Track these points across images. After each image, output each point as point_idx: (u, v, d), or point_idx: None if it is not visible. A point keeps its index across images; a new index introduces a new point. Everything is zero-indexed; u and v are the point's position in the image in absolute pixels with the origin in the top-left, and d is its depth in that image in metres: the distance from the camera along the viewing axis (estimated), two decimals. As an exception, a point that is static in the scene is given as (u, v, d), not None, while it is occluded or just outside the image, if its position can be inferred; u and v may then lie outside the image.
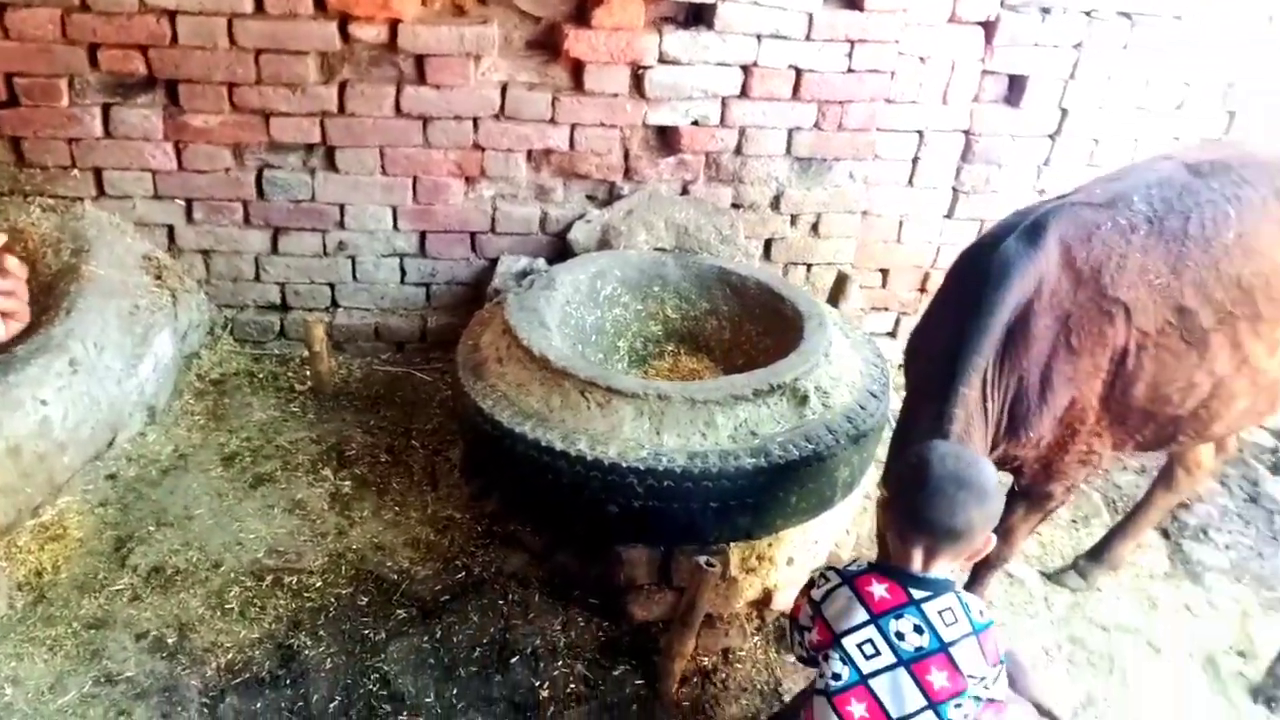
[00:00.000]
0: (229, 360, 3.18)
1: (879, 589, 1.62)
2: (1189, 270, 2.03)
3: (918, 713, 1.54)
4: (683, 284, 2.88)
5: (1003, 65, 3.21)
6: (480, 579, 2.47)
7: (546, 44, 2.94)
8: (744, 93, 3.05)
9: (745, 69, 3.02)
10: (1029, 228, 2.02)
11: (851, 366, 2.51)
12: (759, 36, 2.97)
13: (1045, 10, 3.13)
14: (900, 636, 1.59)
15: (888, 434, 2.34)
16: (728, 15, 2.92)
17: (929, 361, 2.09)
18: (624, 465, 2.14)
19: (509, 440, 2.24)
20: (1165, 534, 3.09)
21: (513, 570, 2.49)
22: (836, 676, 1.58)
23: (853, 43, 3.02)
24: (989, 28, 3.14)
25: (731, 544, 2.32)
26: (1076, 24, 3.16)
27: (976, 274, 2.04)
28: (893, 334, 3.67)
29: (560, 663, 2.29)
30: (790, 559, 2.45)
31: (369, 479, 2.76)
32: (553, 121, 3.02)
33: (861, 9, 2.96)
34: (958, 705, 1.56)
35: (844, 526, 2.69)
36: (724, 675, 2.34)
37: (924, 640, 1.58)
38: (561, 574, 2.47)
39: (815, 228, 3.35)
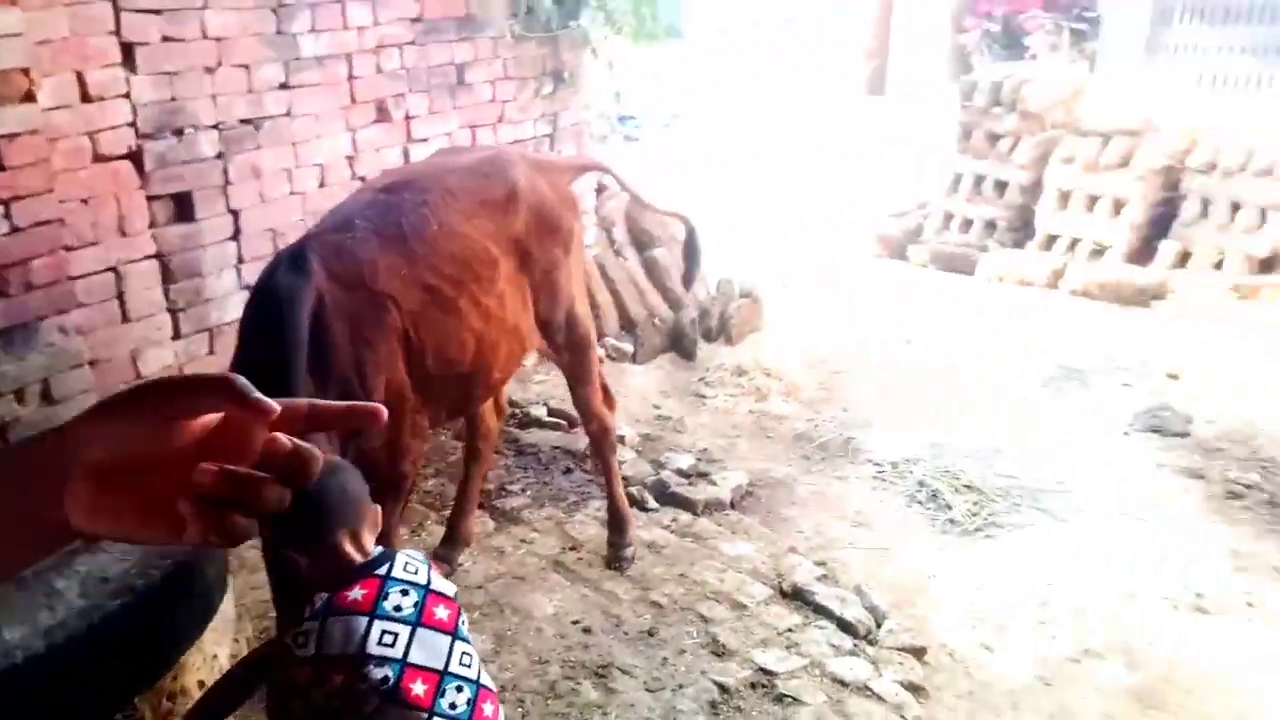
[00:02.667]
0: None
1: (355, 594, 1.71)
2: (420, 260, 2.66)
3: (450, 650, 1.71)
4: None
5: (163, 188, 3.52)
6: None
7: None
8: (-94, 285, 2.84)
9: (-104, 260, 2.81)
10: (290, 260, 2.41)
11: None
12: (-102, 224, 2.80)
13: (178, 132, 3.52)
14: (398, 609, 1.71)
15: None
16: None
17: None
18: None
19: None
20: (480, 504, 3.79)
21: None
22: (384, 680, 1.64)
23: (5, 202, 3.01)
24: (136, 158, 3.42)
25: (136, 699, 2.26)
26: (211, 138, 3.62)
27: (262, 315, 2.36)
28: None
29: None
30: (201, 681, 2.46)
31: None
32: None
33: (2, 169, 2.98)
34: (464, 622, 1.80)
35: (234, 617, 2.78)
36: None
37: (415, 596, 1.74)
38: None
39: (46, 395, 3.21)
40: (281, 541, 1.83)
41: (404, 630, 1.69)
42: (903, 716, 2.75)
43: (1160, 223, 6.55)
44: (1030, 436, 4.57)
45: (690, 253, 3.84)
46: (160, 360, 3.63)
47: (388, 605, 1.71)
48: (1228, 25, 10.98)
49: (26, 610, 2.08)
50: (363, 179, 4.14)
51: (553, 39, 4.99)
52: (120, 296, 3.47)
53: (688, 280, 3.98)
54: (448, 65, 4.57)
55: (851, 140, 10.89)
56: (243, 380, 0.63)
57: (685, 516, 3.84)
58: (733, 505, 3.99)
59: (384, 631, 1.67)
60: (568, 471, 4.16)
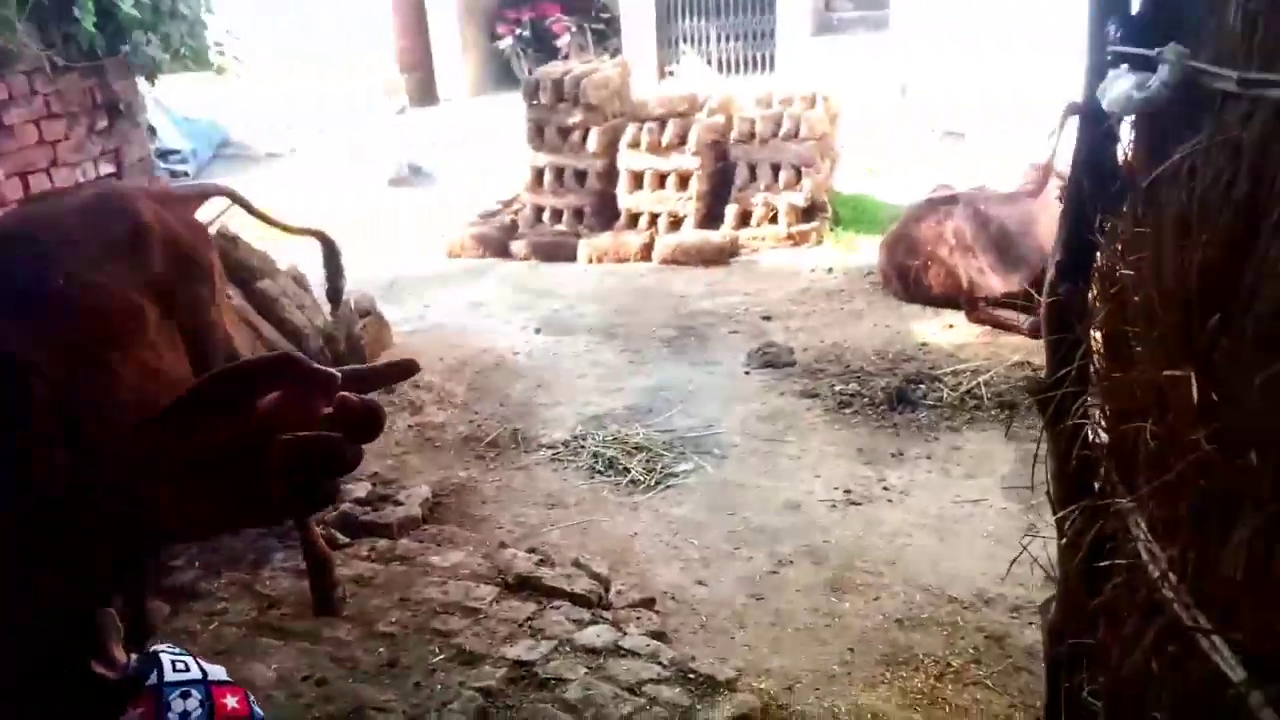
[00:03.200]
0: None
1: (132, 716, 1.54)
2: (50, 317, 2.26)
3: None
4: None
5: None
6: None
7: None
8: None
9: None
10: None
11: None
12: None
13: None
14: (185, 716, 1.54)
15: None
16: None
17: None
18: None
19: None
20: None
21: None
22: None
23: None
24: None
25: None
26: None
27: None
28: None
29: None
30: None
31: None
32: None
33: None
34: (253, 699, 1.63)
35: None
36: None
37: (198, 694, 1.54)
38: None
39: None
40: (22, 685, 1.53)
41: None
42: (660, 662, 2.91)
43: (721, 189, 7.43)
44: (671, 392, 4.99)
45: (332, 268, 3.69)
46: None
47: (173, 716, 1.52)
48: (721, 17, 12.65)
49: None
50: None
51: (98, 69, 4.44)
52: None
53: (334, 297, 3.80)
54: (-26, 105, 3.91)
55: (421, 150, 10.93)
56: (301, 355, 0.67)
57: (383, 542, 3.67)
58: (425, 519, 3.90)
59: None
60: (234, 531, 3.77)
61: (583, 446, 4.46)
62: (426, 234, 8.15)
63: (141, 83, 4.93)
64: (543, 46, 13.79)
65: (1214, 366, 1.30)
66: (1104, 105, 1.57)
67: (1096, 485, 1.90)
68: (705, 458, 4.31)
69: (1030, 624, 3.08)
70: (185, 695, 1.54)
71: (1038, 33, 9.59)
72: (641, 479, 4.17)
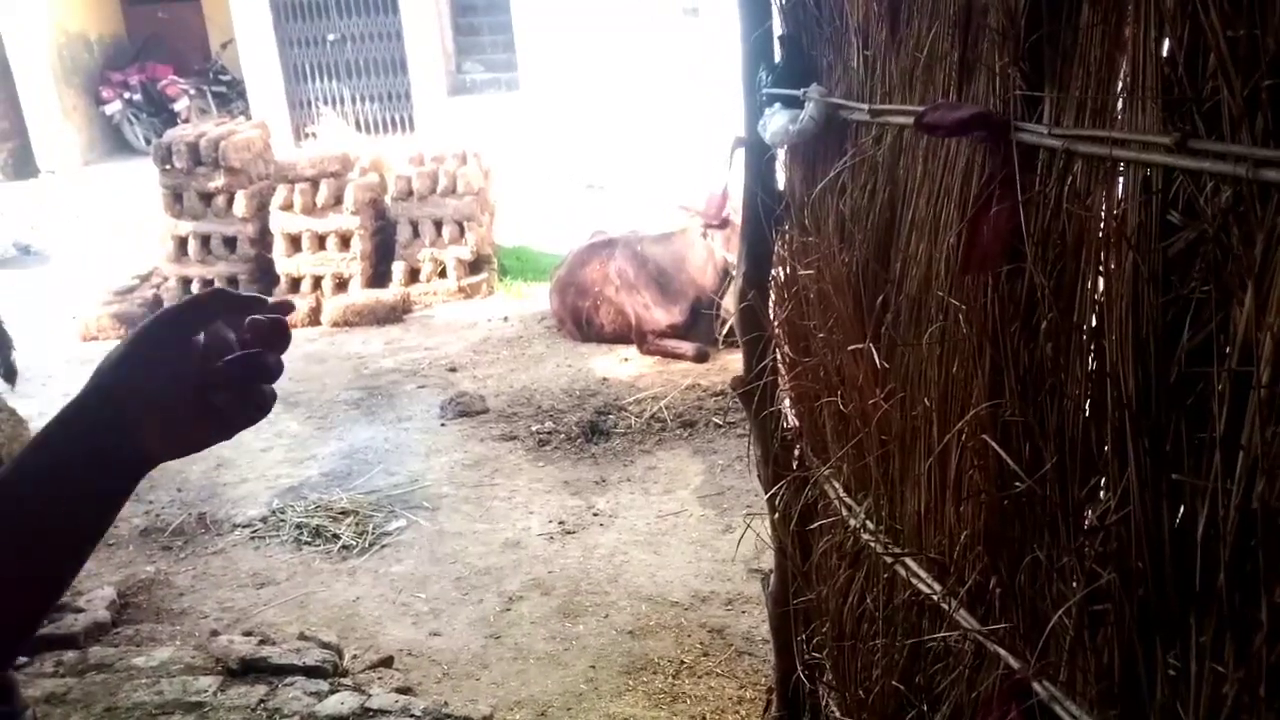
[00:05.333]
0: None
1: None
2: None
3: None
4: None
5: None
6: None
7: None
8: None
9: None
10: None
11: None
12: None
13: None
14: None
15: None
16: None
17: None
18: None
19: None
20: None
21: None
22: None
23: None
24: None
25: None
26: None
27: None
28: None
29: None
30: None
31: None
32: None
33: None
34: None
35: None
36: None
37: None
38: None
39: None
40: None
41: None
42: (413, 715, 2.88)
43: (384, 248, 7.40)
44: (368, 453, 4.90)
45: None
46: None
47: None
48: (354, 78, 12.56)
49: None
50: None
51: None
52: None
53: (9, 376, 3.36)
54: None
55: (27, 228, 9.71)
56: (227, 289, 0.84)
57: (71, 653, 3.26)
58: (115, 623, 3.52)
59: None
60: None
61: (283, 520, 4.26)
62: (51, 318, 7.28)
63: None
64: (158, 111, 12.86)
65: (880, 340, 1.65)
66: (765, 138, 1.91)
67: (795, 463, 2.25)
68: (417, 512, 4.30)
69: (743, 613, 3.45)
70: None
71: (655, 89, 10.62)
72: (354, 543, 4.07)
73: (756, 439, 2.31)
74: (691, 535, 3.96)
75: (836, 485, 1.98)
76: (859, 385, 1.76)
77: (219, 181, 7.09)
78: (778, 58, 1.98)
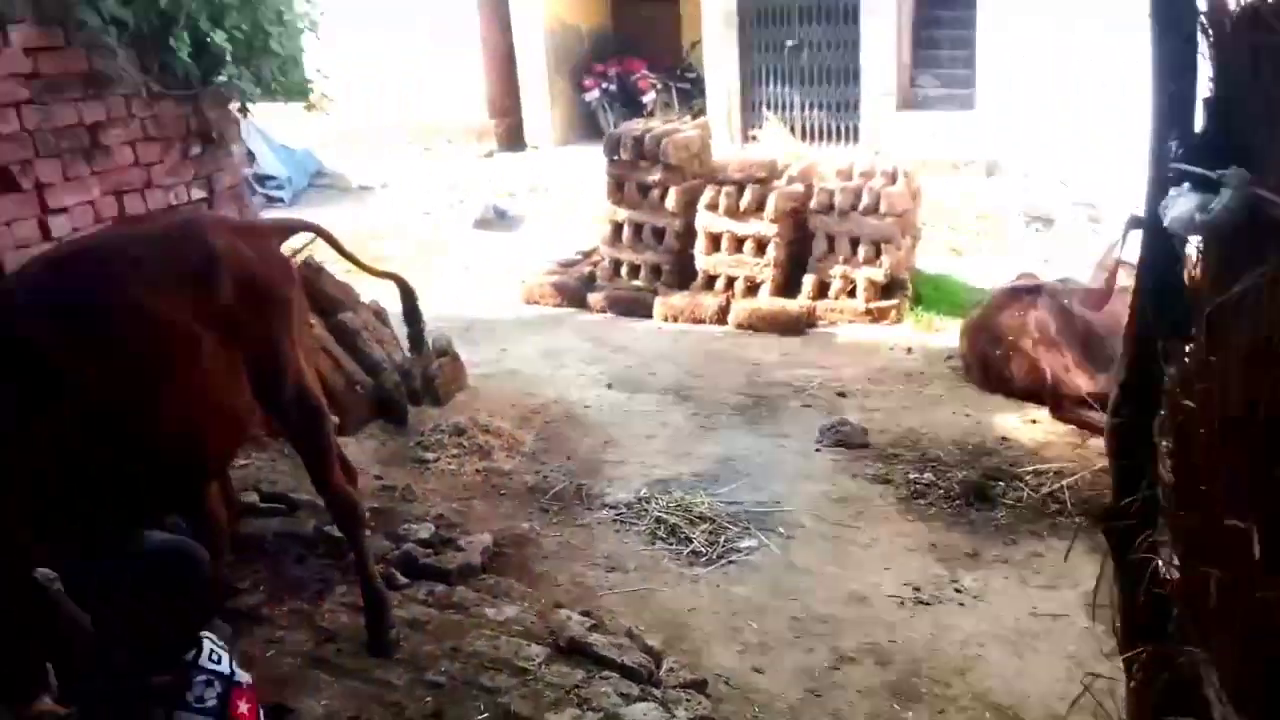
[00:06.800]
0: None
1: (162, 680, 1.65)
2: (99, 335, 2.33)
3: None
4: None
5: None
6: None
7: None
8: None
9: None
10: None
11: None
12: None
13: None
14: (201, 701, 1.66)
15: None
16: None
17: None
18: None
19: None
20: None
21: None
22: None
23: None
24: None
25: None
26: None
27: None
28: None
29: None
30: None
31: None
32: None
33: None
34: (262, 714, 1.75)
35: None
36: None
37: (219, 687, 1.69)
38: None
39: None
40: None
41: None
42: (709, 755, 2.80)
43: (798, 258, 7.37)
44: (739, 462, 4.89)
45: (411, 314, 3.70)
46: None
47: (191, 697, 1.67)
48: (806, 85, 12.68)
49: None
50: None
51: (193, 97, 4.57)
52: None
53: (415, 343, 3.80)
54: (77, 126, 4.03)
55: (506, 195, 11.07)
56: None
57: (441, 587, 3.62)
58: (485, 568, 3.84)
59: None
60: (300, 559, 3.77)
61: (646, 510, 4.38)
62: (506, 278, 8.20)
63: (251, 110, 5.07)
64: (629, 102, 13.96)
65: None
66: (1166, 223, 1.49)
67: (1168, 627, 1.77)
68: (771, 536, 4.20)
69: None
70: (209, 684, 1.67)
71: (1130, 121, 9.44)
72: (703, 551, 4.08)
73: (1118, 587, 1.86)
74: (1068, 647, 3.43)
75: (1214, 679, 1.53)
76: (1245, 567, 1.32)
77: (656, 176, 7.49)
78: (1198, 124, 1.53)
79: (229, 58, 4.52)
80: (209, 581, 1.71)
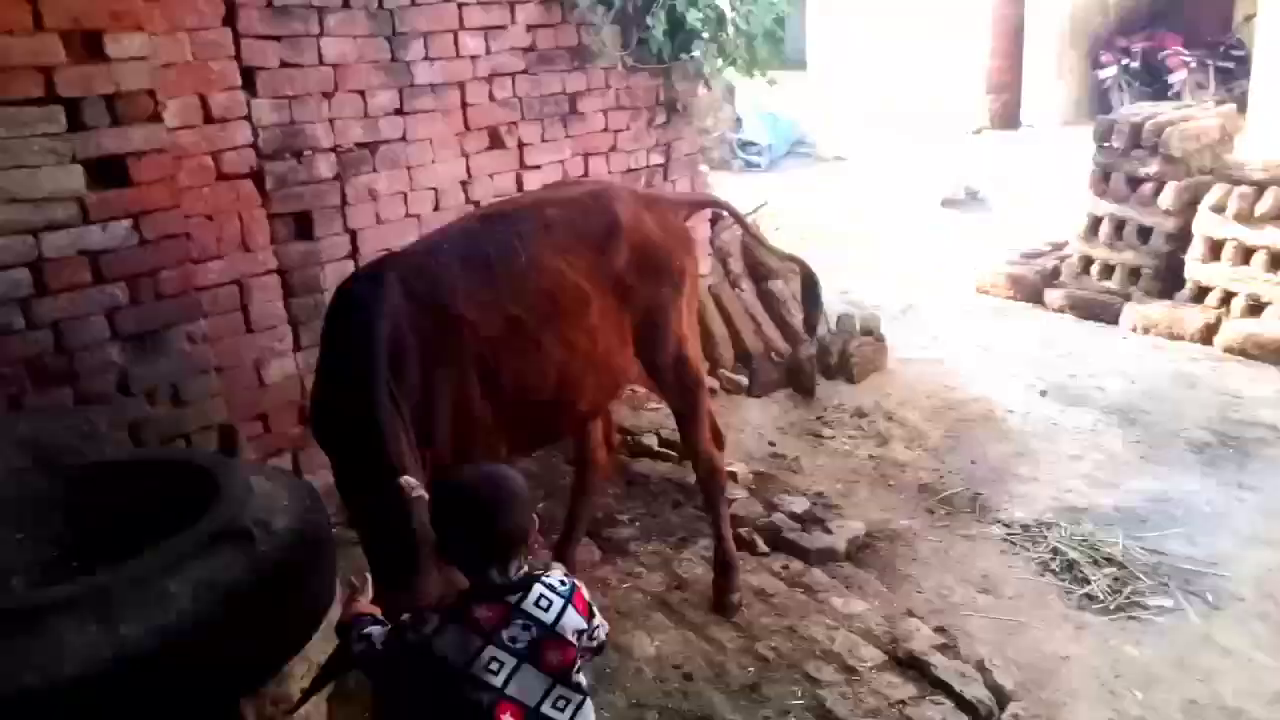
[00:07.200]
0: None
1: (482, 612, 1.75)
2: (502, 289, 2.60)
3: (548, 692, 1.75)
4: (63, 495, 2.60)
5: (283, 207, 3.55)
6: None
7: None
8: (42, 290, 2.89)
9: (32, 266, 2.87)
10: (368, 274, 2.42)
11: (277, 495, 2.56)
12: (34, 232, 2.85)
13: (297, 154, 3.55)
14: (514, 640, 1.74)
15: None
16: (-19, 219, 2.74)
17: (346, 414, 2.28)
18: (90, 677, 1.93)
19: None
20: (588, 532, 3.69)
21: None
22: (478, 703, 1.71)
23: (135, 216, 3.06)
24: (257, 178, 3.45)
25: (241, 701, 2.22)
26: (329, 160, 3.64)
27: (339, 323, 2.40)
28: (297, 472, 3.73)
29: None
30: (303, 688, 2.40)
31: None
32: None
33: (131, 184, 3.03)
34: (576, 670, 1.79)
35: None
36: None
37: (533, 633, 1.75)
38: None
39: (176, 398, 3.26)
40: (447, 546, 1.84)
41: (511, 662, 1.73)
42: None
43: (1327, 279, 6.00)
44: (1178, 507, 4.18)
45: (810, 298, 3.67)
46: (283, 369, 3.66)
47: (505, 635, 1.74)
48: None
49: (141, 611, 2.05)
50: (476, 203, 4.14)
51: (665, 70, 4.91)
52: (244, 308, 3.52)
53: (810, 326, 3.78)
54: (560, 94, 4.55)
55: (984, 175, 10.46)
56: None
57: (797, 564, 3.63)
58: (848, 557, 3.77)
59: (493, 658, 1.72)
60: (677, 505, 4.01)
61: (1044, 537, 3.95)
62: (960, 262, 7.78)
63: (719, 79, 5.34)
64: (1152, 81, 12.32)
65: None
66: None
67: None
68: (1193, 600, 3.55)
69: None
70: (525, 627, 1.74)
71: None
72: (1101, 597, 3.58)
73: None
74: None
75: None
76: None
77: (1152, 168, 6.53)
78: None
79: (698, 35, 4.82)
80: (509, 509, 1.80)
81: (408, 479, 2.13)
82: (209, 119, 3.32)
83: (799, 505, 4.02)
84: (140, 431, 3.16)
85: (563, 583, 1.84)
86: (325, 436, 2.47)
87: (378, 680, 1.91)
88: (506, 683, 1.71)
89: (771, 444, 4.65)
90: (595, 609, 1.89)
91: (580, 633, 1.81)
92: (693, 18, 4.72)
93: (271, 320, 3.58)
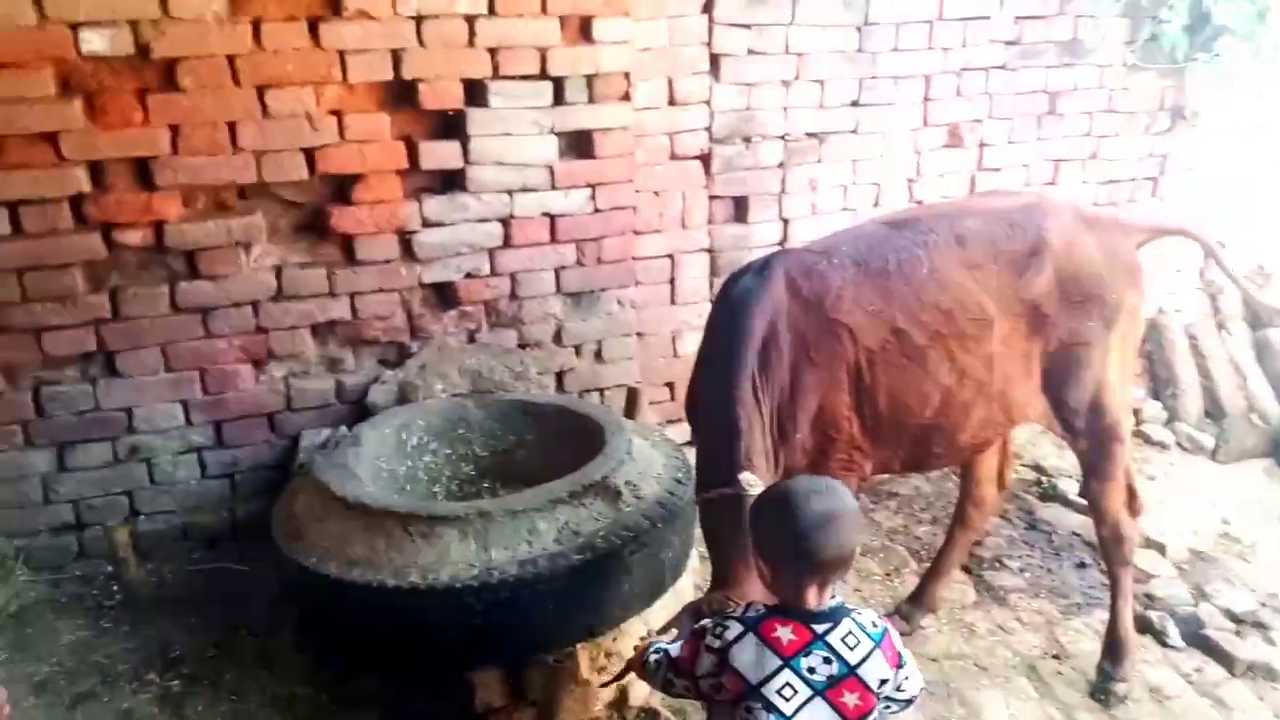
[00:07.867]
0: (26, 590, 2.98)
1: (784, 632, 1.70)
2: (895, 299, 2.45)
3: None
4: (486, 422, 3.05)
5: (724, 190, 3.71)
6: (334, 745, 2.43)
7: (313, 225, 3.14)
8: (508, 242, 3.35)
9: (504, 221, 3.33)
10: (759, 266, 2.43)
11: (654, 461, 2.75)
12: (510, 192, 3.30)
13: (746, 139, 3.68)
14: (812, 671, 1.67)
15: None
16: (478, 177, 3.24)
17: (708, 399, 2.36)
18: (458, 587, 2.24)
19: (340, 591, 2.28)
20: (966, 569, 3.47)
21: (367, 727, 2.47)
22: None
23: (593, 186, 3.41)
24: (705, 160, 3.64)
25: (578, 645, 2.43)
26: (775, 148, 3.72)
27: (719, 311, 2.45)
28: (691, 442, 3.97)
29: (430, 803, 2.27)
30: (635, 646, 2.57)
31: (199, 675, 2.66)
32: (331, 294, 3.17)
33: (594, 157, 3.37)
34: (877, 716, 1.70)
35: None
36: (591, 776, 2.39)
37: (833, 669, 1.68)
38: (417, 718, 2.47)
39: (599, 355, 3.62)
40: (762, 553, 1.80)
41: (805, 693, 1.67)
42: None
43: None
44: None
45: None
46: (696, 343, 3.85)
47: (804, 663, 1.68)
48: None
49: (511, 539, 2.34)
50: (919, 202, 3.96)
51: (1177, 72, 4.25)
52: (672, 281, 3.76)
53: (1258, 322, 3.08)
54: (1039, 92, 4.18)
55: None
56: None
57: (1215, 671, 3.05)
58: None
59: (787, 684, 1.67)
60: (1081, 566, 3.58)
61: None
62: None
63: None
64: None
65: None
66: None
67: None
68: None
69: None
70: (827, 660, 1.66)
71: None
72: None
73: None
74: None
75: None
76: None
77: None
78: None
79: (1226, 31, 4.13)
80: (838, 528, 1.70)
81: (747, 475, 2.13)
82: (672, 101, 3.55)
83: (1240, 602, 3.35)
84: (563, 379, 3.55)
85: (875, 624, 1.74)
86: (691, 420, 2.57)
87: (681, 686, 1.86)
88: (796, 712, 1.65)
89: (1225, 521, 3.91)
90: (908, 659, 1.76)
91: (884, 682, 1.70)
92: (1223, 12, 4.04)
93: (695, 296, 3.78)
